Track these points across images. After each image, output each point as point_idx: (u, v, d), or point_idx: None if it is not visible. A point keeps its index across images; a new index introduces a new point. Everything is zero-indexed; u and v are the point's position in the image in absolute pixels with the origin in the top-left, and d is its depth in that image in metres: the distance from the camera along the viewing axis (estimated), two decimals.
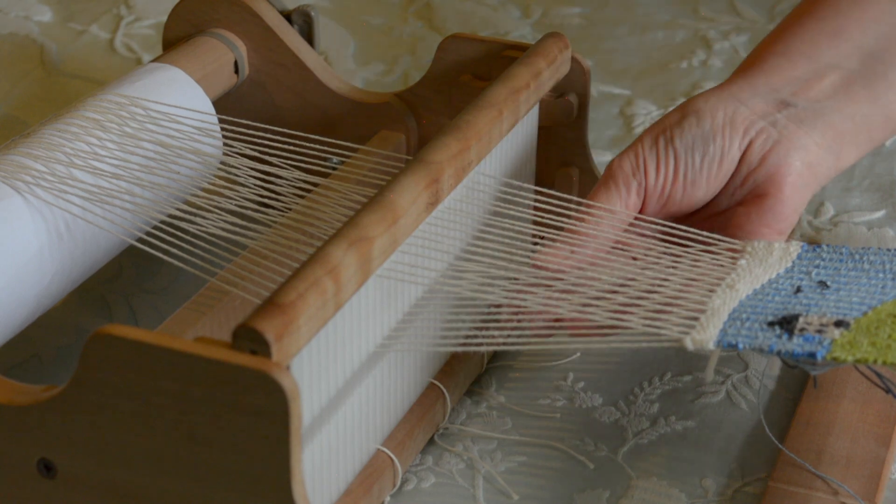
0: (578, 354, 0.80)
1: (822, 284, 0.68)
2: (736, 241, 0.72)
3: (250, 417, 0.57)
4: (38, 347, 0.82)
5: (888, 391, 0.69)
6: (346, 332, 0.65)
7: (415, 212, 0.67)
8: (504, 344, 0.71)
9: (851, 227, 0.93)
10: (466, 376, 0.77)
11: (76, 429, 0.61)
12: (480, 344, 0.74)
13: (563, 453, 0.74)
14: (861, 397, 0.75)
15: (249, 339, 0.57)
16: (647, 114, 1.06)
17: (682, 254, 0.71)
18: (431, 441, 0.75)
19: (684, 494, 0.71)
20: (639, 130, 1.04)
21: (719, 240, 0.72)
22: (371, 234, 0.63)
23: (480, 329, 0.76)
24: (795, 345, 0.63)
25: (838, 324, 0.64)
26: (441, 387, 0.74)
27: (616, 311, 0.66)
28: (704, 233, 0.72)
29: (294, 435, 0.56)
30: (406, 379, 0.72)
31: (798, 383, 0.78)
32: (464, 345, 0.73)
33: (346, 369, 0.66)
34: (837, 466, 0.71)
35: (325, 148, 0.78)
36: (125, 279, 0.87)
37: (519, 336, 0.70)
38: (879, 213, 0.94)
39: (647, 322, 0.65)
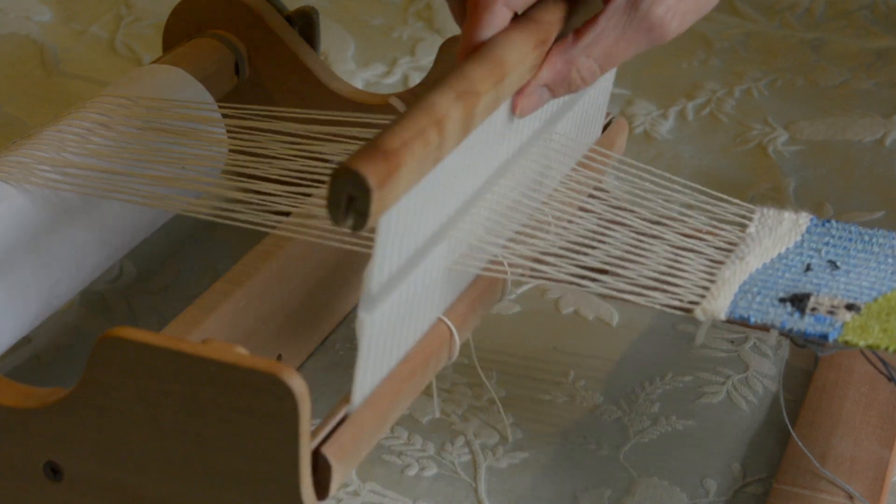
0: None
1: (832, 265, 0.68)
2: (745, 205, 0.71)
3: (259, 420, 0.57)
4: (38, 348, 0.82)
5: (890, 379, 0.69)
6: (435, 189, 0.61)
7: (522, 71, 0.63)
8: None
9: None
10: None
11: (83, 432, 0.60)
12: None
13: (564, 451, 0.74)
14: (864, 399, 0.76)
15: (350, 183, 0.52)
16: (647, 114, 1.06)
17: (691, 216, 0.70)
18: (434, 426, 0.75)
19: (686, 494, 0.71)
20: (639, 131, 1.04)
21: (729, 201, 0.71)
22: (479, 88, 0.60)
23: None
24: (807, 324, 0.63)
25: (849, 307, 0.64)
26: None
27: (626, 279, 0.65)
28: (715, 193, 0.70)
29: (303, 437, 0.56)
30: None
31: (799, 384, 0.79)
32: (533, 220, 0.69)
33: (429, 228, 0.62)
34: (841, 468, 0.71)
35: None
36: (125, 279, 0.87)
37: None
38: (879, 214, 0.94)
39: (657, 292, 0.63)
